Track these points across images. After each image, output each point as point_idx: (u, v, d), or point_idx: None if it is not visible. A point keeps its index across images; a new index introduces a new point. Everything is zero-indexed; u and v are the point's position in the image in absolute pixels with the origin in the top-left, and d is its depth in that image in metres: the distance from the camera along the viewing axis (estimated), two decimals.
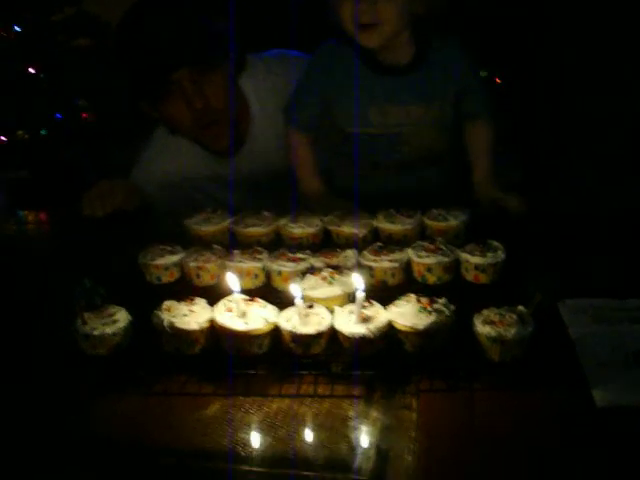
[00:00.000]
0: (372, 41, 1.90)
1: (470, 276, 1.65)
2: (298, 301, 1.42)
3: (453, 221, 1.80)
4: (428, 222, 1.81)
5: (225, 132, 2.14)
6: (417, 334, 1.39)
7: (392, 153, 2.09)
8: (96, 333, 1.43)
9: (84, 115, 3.85)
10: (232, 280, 1.46)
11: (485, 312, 1.41)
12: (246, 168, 2.24)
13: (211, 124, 2.09)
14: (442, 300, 1.45)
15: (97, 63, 3.83)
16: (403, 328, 1.40)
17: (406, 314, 1.41)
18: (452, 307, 1.43)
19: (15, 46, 3.87)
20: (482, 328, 1.37)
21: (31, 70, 3.91)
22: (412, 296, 1.46)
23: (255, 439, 1.27)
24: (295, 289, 1.43)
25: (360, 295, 1.40)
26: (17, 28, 3.86)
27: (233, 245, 1.76)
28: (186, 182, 2.29)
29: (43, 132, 3.89)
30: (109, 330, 1.44)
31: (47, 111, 3.90)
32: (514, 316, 1.38)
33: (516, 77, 3.68)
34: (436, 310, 1.41)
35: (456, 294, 1.52)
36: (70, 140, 3.79)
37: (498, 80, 3.86)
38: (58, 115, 3.93)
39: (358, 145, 2.09)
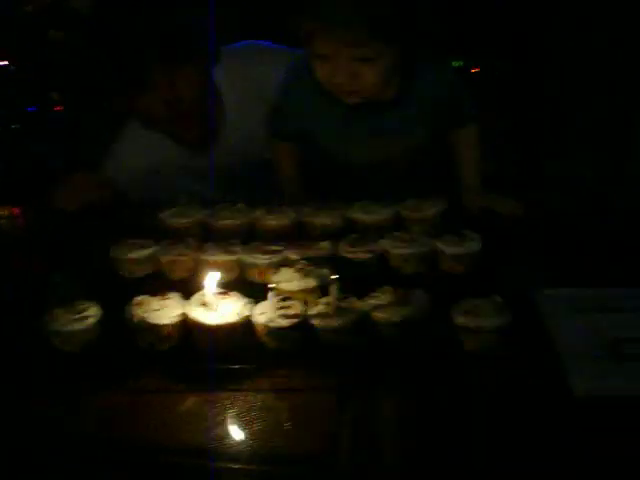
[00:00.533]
0: (354, 100, 1.84)
1: (446, 266, 1.63)
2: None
3: (429, 211, 1.78)
4: (404, 212, 1.80)
5: (197, 123, 2.11)
6: (394, 325, 1.37)
7: (371, 175, 2.08)
8: (66, 329, 1.40)
9: (57, 108, 3.80)
10: (211, 279, 1.44)
11: (462, 303, 1.39)
12: (222, 160, 2.22)
13: (183, 116, 2.06)
14: (418, 291, 1.43)
15: (70, 56, 3.78)
16: (379, 320, 1.38)
17: (382, 306, 1.40)
18: (427, 298, 1.42)
19: None
20: (459, 319, 1.35)
21: (2, 63, 3.86)
22: (388, 288, 1.44)
23: (231, 434, 1.25)
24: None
25: (334, 286, 1.38)
26: None
27: (207, 238, 1.74)
28: (159, 175, 2.26)
29: (15, 125, 3.84)
30: (79, 326, 1.41)
31: (19, 104, 3.86)
32: (490, 306, 1.37)
33: (491, 65, 3.68)
34: (412, 301, 1.40)
35: (432, 285, 1.50)
36: (42, 134, 3.75)
37: (474, 70, 3.86)
38: (30, 108, 3.88)
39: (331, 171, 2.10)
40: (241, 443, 1.23)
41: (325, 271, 1.52)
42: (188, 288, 1.54)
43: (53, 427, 1.30)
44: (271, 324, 1.37)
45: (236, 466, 1.19)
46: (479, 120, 2.06)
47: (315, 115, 1.97)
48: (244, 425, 1.26)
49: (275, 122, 2.07)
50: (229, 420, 1.28)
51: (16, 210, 2.33)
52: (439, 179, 2.26)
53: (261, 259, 1.62)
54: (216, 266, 1.61)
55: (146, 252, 1.70)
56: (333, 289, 1.38)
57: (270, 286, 1.42)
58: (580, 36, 3.12)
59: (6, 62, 3.86)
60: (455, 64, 3.70)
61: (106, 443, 1.26)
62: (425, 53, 1.92)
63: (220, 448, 1.22)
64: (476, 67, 3.85)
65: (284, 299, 1.43)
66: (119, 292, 1.59)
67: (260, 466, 1.20)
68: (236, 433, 1.25)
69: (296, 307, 1.41)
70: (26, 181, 3.49)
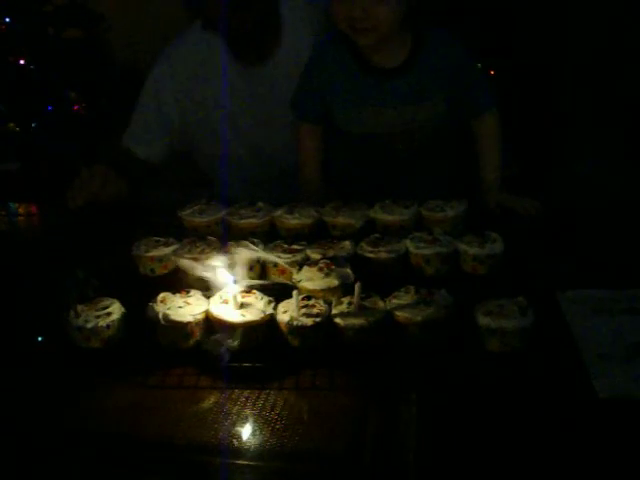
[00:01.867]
0: (368, 40, 1.90)
1: (468, 267, 1.63)
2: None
3: (450, 212, 1.78)
4: (425, 213, 1.79)
5: (254, 32, 2.10)
6: (416, 325, 1.37)
7: (387, 152, 2.09)
8: (89, 325, 1.40)
9: (75, 107, 3.82)
10: (224, 274, 1.44)
11: (485, 303, 1.39)
12: (272, 81, 2.22)
13: (242, 21, 2.04)
14: (441, 291, 1.43)
15: (88, 54, 3.80)
16: (402, 320, 1.38)
17: (405, 305, 1.39)
18: (451, 298, 1.41)
19: (5, 37, 3.83)
20: (482, 319, 1.35)
21: (21, 62, 3.87)
22: (411, 287, 1.44)
23: (252, 432, 1.25)
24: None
25: (358, 286, 1.38)
26: (7, 19, 3.83)
27: (230, 237, 1.73)
28: (207, 85, 2.25)
29: (33, 124, 3.85)
30: (102, 322, 1.41)
31: (37, 103, 3.87)
32: (514, 307, 1.36)
33: (512, 68, 3.67)
34: (435, 301, 1.39)
35: (454, 285, 1.50)
36: (60, 132, 3.76)
37: (492, 72, 3.85)
38: (49, 107, 3.90)
39: (353, 143, 2.10)
40: (263, 441, 1.23)
41: (347, 271, 1.52)
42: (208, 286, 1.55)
43: (74, 423, 1.31)
44: (294, 322, 1.37)
45: (257, 464, 1.19)
46: (497, 109, 2.06)
47: (333, 88, 2.02)
48: (266, 423, 1.26)
49: (299, 103, 2.10)
50: (251, 418, 1.28)
51: (33, 208, 2.34)
52: (461, 167, 2.27)
53: (283, 258, 1.61)
54: (237, 264, 1.62)
55: (167, 250, 1.70)
56: (357, 288, 1.37)
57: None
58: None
59: (23, 61, 3.87)
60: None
61: (127, 439, 1.27)
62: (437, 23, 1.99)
63: (242, 446, 1.22)
64: (493, 70, 3.85)
65: (307, 298, 1.43)
66: (140, 289, 1.60)
67: (281, 464, 1.20)
68: (258, 431, 1.25)
69: (319, 306, 1.41)
70: (44, 179, 3.51)
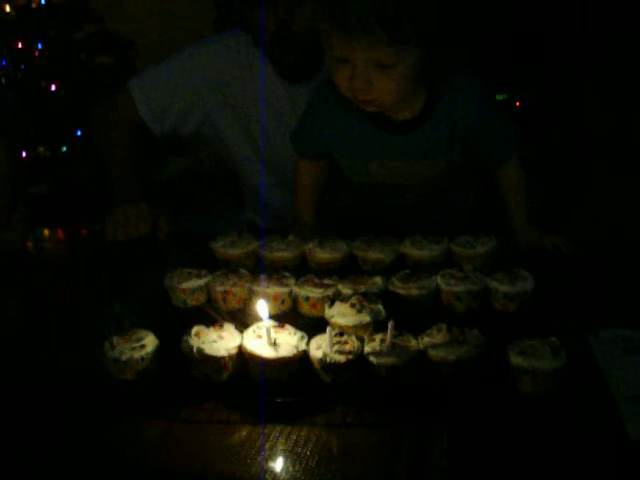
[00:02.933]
0: (372, 109, 1.81)
1: (498, 305, 1.64)
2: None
3: (481, 248, 1.78)
4: (455, 249, 1.80)
5: (298, 54, 2.08)
6: (449, 364, 1.37)
7: (394, 199, 2.07)
8: (124, 357, 1.42)
9: None
10: (262, 308, 1.45)
11: (517, 343, 1.39)
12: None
13: (289, 43, 2.04)
14: (473, 330, 1.43)
15: (118, 80, 3.85)
16: (435, 359, 1.38)
17: (437, 344, 1.40)
18: (483, 338, 1.42)
19: (37, 63, 3.90)
20: (515, 359, 1.35)
21: (53, 87, 3.93)
22: (443, 326, 1.44)
23: (283, 468, 1.25)
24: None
25: (391, 324, 1.39)
26: (40, 45, 3.89)
27: (262, 269, 1.75)
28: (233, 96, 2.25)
29: (64, 149, 3.90)
30: (137, 355, 1.43)
31: (68, 128, 3.92)
32: (547, 348, 1.37)
33: (536, 99, 3.68)
34: (467, 340, 1.40)
35: (485, 323, 1.50)
36: (90, 157, 3.81)
37: (517, 103, 3.87)
38: (78, 132, 3.95)
39: (356, 188, 2.07)
40: (293, 477, 1.23)
41: (379, 307, 1.53)
42: (241, 319, 1.57)
43: (104, 455, 1.31)
44: (328, 359, 1.38)
45: None
46: (518, 156, 2.01)
47: (336, 134, 1.95)
48: (297, 459, 1.27)
49: (300, 138, 2.05)
50: (282, 453, 1.28)
51: (60, 234, 2.36)
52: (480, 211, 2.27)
53: (314, 292, 1.63)
54: (269, 298, 1.63)
55: (199, 282, 1.72)
56: (391, 326, 1.38)
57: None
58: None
59: (55, 87, 3.93)
60: (499, 97, 3.72)
61: (158, 473, 1.28)
62: (454, 70, 1.88)
63: None
64: (518, 100, 3.86)
65: (340, 334, 1.44)
66: (172, 321, 1.62)
67: None
68: (289, 467, 1.26)
69: (352, 343, 1.42)
70: (72, 205, 3.55)
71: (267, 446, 1.30)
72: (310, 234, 1.93)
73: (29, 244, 2.25)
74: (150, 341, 1.47)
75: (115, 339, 1.45)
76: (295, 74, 2.16)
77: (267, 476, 1.24)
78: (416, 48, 1.68)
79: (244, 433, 1.33)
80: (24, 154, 3.80)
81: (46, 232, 2.35)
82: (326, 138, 1.98)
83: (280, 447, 1.30)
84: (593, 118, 3.29)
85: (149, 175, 2.93)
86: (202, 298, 1.73)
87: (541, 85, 3.56)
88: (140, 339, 1.47)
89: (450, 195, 2.18)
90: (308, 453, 1.28)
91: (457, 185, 2.15)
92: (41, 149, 3.87)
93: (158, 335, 1.50)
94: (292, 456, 1.27)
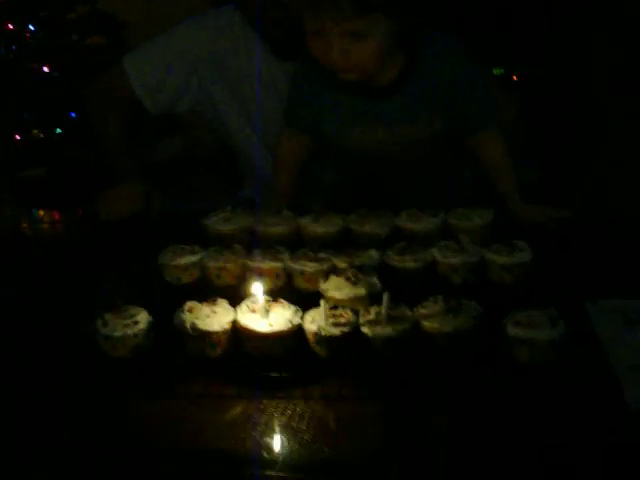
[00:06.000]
0: (351, 78, 1.78)
1: (495, 276, 1.61)
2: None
3: (478, 220, 1.77)
4: (452, 221, 1.78)
5: (284, 23, 2.02)
6: (445, 336, 1.35)
7: (379, 166, 2.05)
8: (117, 334, 1.40)
9: None
10: (257, 290, 1.44)
11: (514, 314, 1.37)
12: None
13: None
14: (470, 302, 1.41)
15: (111, 61, 3.81)
16: (431, 330, 1.36)
17: (433, 315, 1.38)
18: (480, 309, 1.40)
19: (29, 45, 3.86)
20: (512, 330, 1.33)
21: (45, 69, 3.90)
22: (439, 297, 1.42)
23: (279, 443, 1.24)
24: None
25: (386, 296, 1.37)
26: (31, 27, 3.85)
27: (255, 245, 1.72)
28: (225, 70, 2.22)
29: (58, 131, 3.87)
30: (130, 331, 1.41)
31: (62, 110, 3.89)
32: (544, 318, 1.35)
33: (534, 74, 3.65)
34: (464, 311, 1.38)
35: (482, 295, 1.48)
36: (84, 139, 3.78)
37: (515, 77, 3.84)
38: (72, 114, 3.91)
39: (343, 156, 2.06)
40: (289, 452, 1.23)
41: (374, 280, 1.51)
42: (234, 294, 1.54)
43: (100, 432, 1.30)
44: (322, 332, 1.36)
45: (283, 475, 1.18)
46: (497, 124, 1.98)
47: (321, 102, 1.94)
48: (293, 434, 1.25)
49: (290, 112, 2.04)
50: (278, 428, 1.27)
51: (57, 215, 2.34)
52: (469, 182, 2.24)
53: (309, 266, 1.61)
54: (263, 273, 1.62)
55: (193, 258, 1.70)
56: (386, 298, 1.36)
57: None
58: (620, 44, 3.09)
59: (47, 68, 3.89)
60: (496, 72, 3.69)
61: (153, 449, 1.26)
62: (431, 34, 1.86)
63: (268, 456, 1.21)
64: (516, 75, 3.83)
65: (334, 307, 1.42)
66: (166, 298, 1.60)
67: (308, 476, 1.20)
68: (284, 441, 1.24)
69: (347, 316, 1.40)
70: (68, 186, 3.53)
71: (262, 421, 1.28)
72: (281, 205, 1.93)
73: (24, 225, 2.23)
74: (143, 318, 1.45)
75: (107, 316, 1.43)
76: (286, 50, 2.13)
77: (262, 451, 1.22)
78: (387, 15, 1.67)
79: (239, 408, 1.32)
80: (18, 137, 3.77)
81: (41, 213, 2.33)
82: (312, 107, 1.96)
83: (276, 422, 1.28)
84: (594, 89, 3.26)
85: (147, 155, 2.91)
86: (196, 275, 1.71)
87: (540, 58, 3.52)
88: (133, 316, 1.45)
89: (445, 170, 2.16)
90: (304, 427, 1.26)
91: (450, 160, 2.12)
92: (35, 132, 3.84)
93: (152, 312, 1.49)
94: (288, 431, 1.26)
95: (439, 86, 1.87)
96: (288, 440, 1.24)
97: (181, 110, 2.33)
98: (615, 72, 3.13)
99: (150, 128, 2.57)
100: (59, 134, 3.86)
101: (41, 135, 3.90)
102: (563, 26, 3.38)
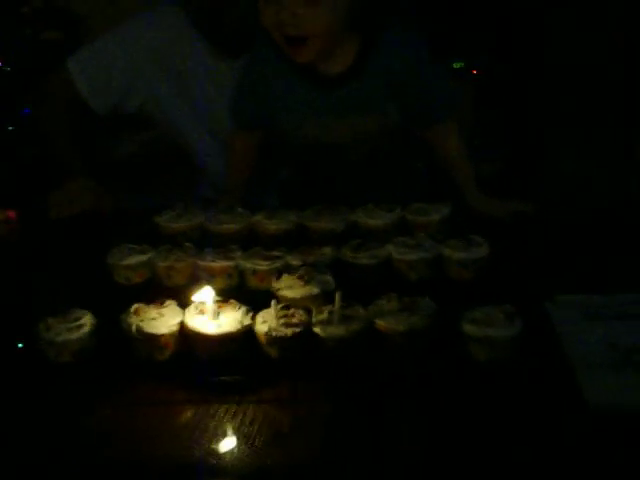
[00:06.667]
0: (302, 57, 1.75)
1: (452, 273, 1.58)
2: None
3: (435, 215, 1.74)
4: (409, 216, 1.75)
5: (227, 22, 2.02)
6: (399, 335, 1.32)
7: (333, 160, 2.02)
8: (59, 339, 1.35)
9: None
10: (207, 295, 1.39)
11: (470, 311, 1.34)
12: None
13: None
14: (425, 299, 1.38)
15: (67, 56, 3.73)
16: (384, 329, 1.33)
17: (387, 314, 1.34)
18: (435, 306, 1.37)
19: None
20: (468, 327, 1.30)
21: None
22: (393, 295, 1.39)
23: (231, 448, 1.19)
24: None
25: (338, 294, 1.33)
26: None
27: (207, 243, 1.68)
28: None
29: (10, 128, 3.79)
30: (72, 336, 1.35)
31: (14, 106, 3.80)
32: (501, 315, 1.31)
33: (493, 67, 3.64)
34: (419, 309, 1.35)
35: (439, 292, 1.45)
36: (38, 136, 3.70)
37: (474, 71, 3.83)
38: (26, 110, 3.83)
39: (297, 151, 2.04)
40: (242, 458, 1.17)
41: (328, 278, 1.48)
42: (185, 295, 1.49)
43: (45, 441, 1.24)
44: (273, 333, 1.32)
45: None
46: (452, 117, 1.95)
47: (272, 94, 1.90)
48: (245, 438, 1.20)
49: (237, 108, 2.00)
50: (229, 433, 1.22)
51: (12, 214, 2.28)
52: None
53: (261, 265, 1.56)
54: (214, 272, 1.58)
55: (142, 258, 1.65)
56: (338, 297, 1.32)
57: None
58: (580, 37, 3.09)
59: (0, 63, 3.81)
60: (456, 65, 3.68)
61: (95, 461, 1.19)
62: (387, 21, 1.84)
63: (220, 463, 1.16)
64: (476, 69, 3.82)
65: (286, 307, 1.37)
66: (114, 299, 1.54)
67: None
68: (236, 447, 1.19)
69: (299, 315, 1.36)
70: (22, 185, 3.45)
71: (212, 426, 1.23)
72: (238, 203, 1.90)
73: None
74: (87, 320, 1.39)
75: (50, 320, 1.38)
76: (231, 48, 2.10)
77: (212, 459, 1.17)
78: None
79: (189, 414, 1.27)
80: None
81: None
82: (261, 105, 1.93)
83: (226, 427, 1.23)
84: (556, 78, 3.25)
85: (104, 154, 2.85)
86: (146, 275, 1.66)
87: (499, 50, 3.51)
88: (77, 319, 1.39)
89: (400, 163, 2.13)
90: (255, 432, 1.21)
91: (405, 152, 2.09)
92: None
93: (98, 314, 1.43)
94: (238, 435, 1.21)
95: (394, 76, 1.83)
96: (239, 446, 1.20)
97: (128, 111, 2.29)
98: (573, 65, 3.13)
99: (107, 125, 2.51)
100: (11, 131, 3.78)
101: None
102: (524, 19, 3.38)
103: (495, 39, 3.51)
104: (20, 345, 1.44)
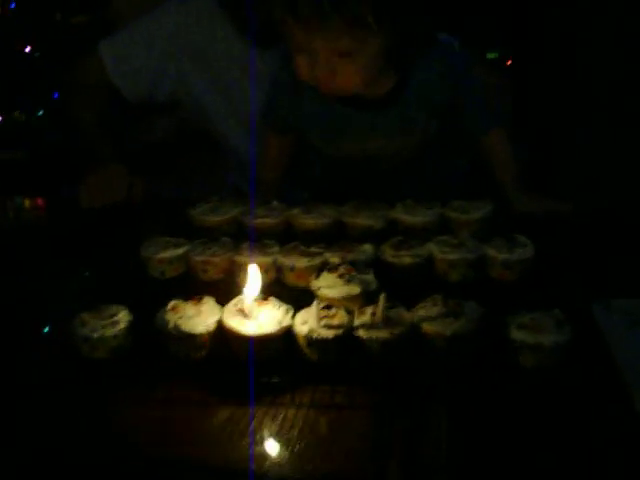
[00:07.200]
0: (336, 96, 1.71)
1: (496, 273, 1.54)
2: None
3: (476, 214, 1.69)
4: (449, 214, 1.70)
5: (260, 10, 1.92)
6: (445, 339, 1.27)
7: (369, 171, 1.97)
8: (96, 335, 1.32)
9: None
10: (253, 275, 1.35)
11: (517, 316, 1.29)
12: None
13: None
14: (470, 302, 1.33)
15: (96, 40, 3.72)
16: (430, 333, 1.28)
17: (432, 317, 1.30)
18: (481, 310, 1.32)
19: (11, 24, 3.76)
20: (516, 333, 1.26)
21: (27, 49, 3.81)
22: (438, 298, 1.34)
23: (268, 453, 1.15)
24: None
25: (383, 296, 1.29)
26: (12, 5, 3.76)
27: (244, 237, 1.64)
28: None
29: (40, 112, 3.78)
30: (110, 332, 1.32)
31: (44, 91, 3.79)
32: (550, 321, 1.27)
33: (528, 58, 3.58)
34: (464, 313, 1.30)
35: (481, 293, 1.40)
36: (68, 122, 3.68)
37: (509, 62, 3.77)
38: (55, 95, 3.82)
39: (329, 161, 1.99)
40: (279, 464, 1.14)
41: (369, 277, 1.44)
42: (221, 290, 1.47)
43: (78, 440, 1.21)
44: (314, 335, 1.28)
45: None
46: (504, 124, 1.92)
47: (305, 109, 1.85)
48: (283, 444, 1.17)
49: (268, 110, 1.96)
50: (267, 437, 1.18)
51: (40, 201, 2.26)
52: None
53: (300, 261, 1.52)
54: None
55: (178, 251, 1.62)
56: (382, 299, 1.28)
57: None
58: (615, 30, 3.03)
59: (29, 48, 3.80)
60: (490, 56, 3.62)
61: (130, 461, 1.17)
62: (426, 44, 1.78)
63: (258, 469, 1.12)
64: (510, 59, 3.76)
65: (327, 307, 1.33)
66: (149, 294, 1.52)
67: None
68: (274, 452, 1.16)
69: (340, 317, 1.31)
70: (52, 172, 3.43)
71: (250, 430, 1.20)
72: (273, 195, 1.86)
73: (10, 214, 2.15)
74: (123, 317, 1.36)
75: (85, 315, 1.35)
76: (264, 38, 2.04)
77: (250, 463, 1.14)
78: (379, 33, 1.57)
79: (225, 416, 1.23)
80: None
81: (24, 201, 2.24)
82: (293, 115, 1.88)
83: (264, 431, 1.20)
84: (590, 68, 3.19)
85: (133, 139, 2.84)
86: (181, 269, 1.63)
87: (535, 42, 3.45)
88: (112, 315, 1.36)
89: (439, 160, 2.08)
90: (295, 436, 1.18)
91: (444, 150, 2.04)
92: (16, 114, 3.75)
93: (133, 310, 1.40)
94: (276, 440, 1.18)
95: (436, 97, 1.80)
96: (278, 451, 1.16)
97: (160, 99, 2.26)
98: (611, 60, 3.06)
99: (136, 110, 2.49)
100: (41, 116, 3.77)
101: (22, 117, 3.81)
102: (557, 10, 3.31)
103: (530, 29, 3.46)
104: (46, 330, 1.41)
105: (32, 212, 2.24)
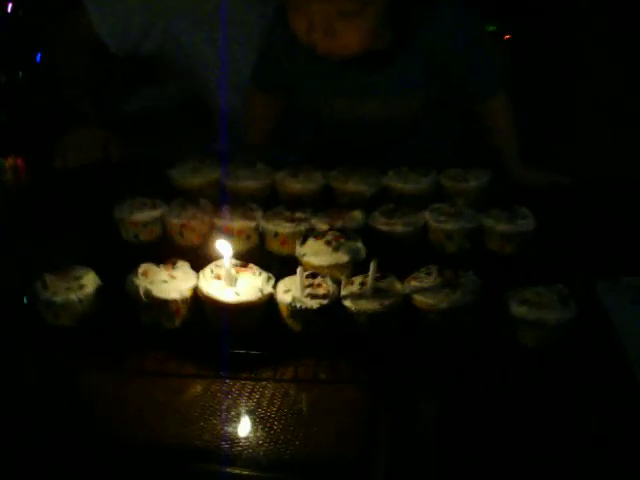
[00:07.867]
0: (333, 59, 1.60)
1: (494, 245, 1.45)
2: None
3: (473, 182, 1.59)
4: (445, 182, 1.61)
5: None
6: (439, 313, 1.19)
7: (362, 130, 1.86)
8: (59, 299, 1.21)
9: None
10: (224, 247, 1.24)
11: (519, 290, 1.20)
12: None
13: None
14: (468, 273, 1.24)
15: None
16: (423, 306, 1.19)
17: (427, 289, 1.21)
18: (480, 282, 1.23)
19: None
20: (517, 309, 1.16)
21: (8, 8, 3.69)
22: (433, 268, 1.25)
23: (245, 434, 1.06)
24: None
25: (373, 264, 1.19)
26: None
27: (223, 200, 1.54)
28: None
29: (20, 74, 3.66)
30: (74, 296, 1.22)
31: (25, 52, 3.68)
32: (554, 297, 1.18)
33: (528, 32, 3.50)
34: (462, 285, 1.21)
35: (478, 266, 1.31)
36: (49, 83, 3.58)
37: (507, 36, 3.68)
38: (38, 56, 3.70)
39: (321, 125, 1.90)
40: (259, 444, 1.05)
41: (358, 245, 1.34)
42: (199, 256, 1.38)
43: (39, 410, 1.13)
44: (298, 305, 1.18)
45: (251, 473, 1.01)
46: (506, 89, 1.81)
47: (298, 68, 1.76)
48: (261, 422, 1.08)
49: (258, 69, 1.87)
50: (244, 415, 1.10)
51: (20, 162, 2.15)
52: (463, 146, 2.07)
53: (284, 227, 1.43)
54: (232, 232, 1.45)
55: (154, 214, 1.52)
56: (373, 267, 1.18)
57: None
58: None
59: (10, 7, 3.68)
60: (489, 28, 3.52)
61: (97, 437, 1.08)
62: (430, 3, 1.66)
63: (233, 450, 1.04)
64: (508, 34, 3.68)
65: (312, 275, 1.24)
66: (120, 258, 1.43)
67: (280, 474, 1.02)
68: (251, 432, 1.07)
69: (326, 286, 1.22)
70: (33, 132, 3.33)
71: (225, 405, 1.11)
72: (258, 159, 1.74)
73: None
74: (90, 280, 1.26)
75: (48, 277, 1.24)
76: None
77: (224, 443, 1.05)
78: None
79: (198, 389, 1.15)
80: None
81: (8, 162, 2.15)
82: (284, 71, 1.79)
83: (240, 408, 1.11)
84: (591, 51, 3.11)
85: (118, 105, 2.74)
86: (157, 232, 1.54)
87: (535, 16, 3.36)
88: (78, 278, 1.26)
89: (434, 126, 1.98)
90: (273, 415, 1.09)
91: (441, 115, 1.94)
92: None
93: (103, 274, 1.31)
94: (255, 418, 1.09)
95: (438, 56, 1.69)
96: (255, 430, 1.07)
97: (145, 52, 2.16)
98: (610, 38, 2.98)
99: (122, 77, 2.39)
100: (22, 77, 3.66)
101: (3, 79, 3.70)
102: None
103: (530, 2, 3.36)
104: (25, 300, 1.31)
105: (10, 171, 2.14)
